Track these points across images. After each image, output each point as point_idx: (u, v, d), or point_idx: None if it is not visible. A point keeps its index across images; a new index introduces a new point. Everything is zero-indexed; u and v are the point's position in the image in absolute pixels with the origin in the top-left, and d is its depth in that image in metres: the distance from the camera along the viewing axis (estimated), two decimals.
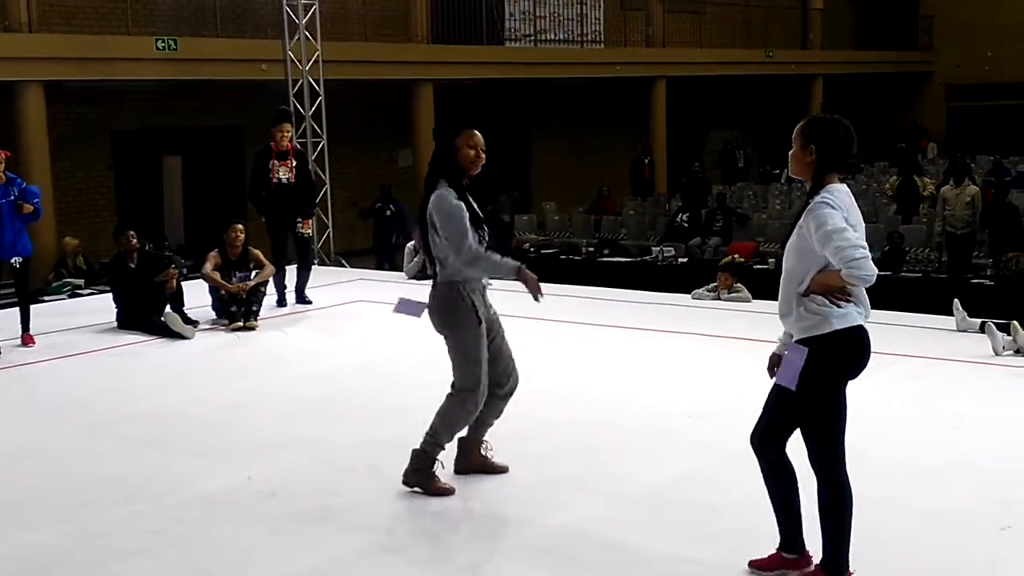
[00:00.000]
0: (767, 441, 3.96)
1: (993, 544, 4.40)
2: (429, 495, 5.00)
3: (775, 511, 4.02)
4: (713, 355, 7.80)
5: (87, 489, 5.28)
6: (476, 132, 5.00)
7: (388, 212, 16.45)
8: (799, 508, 3.97)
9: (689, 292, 10.12)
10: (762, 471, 4.01)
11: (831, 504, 3.86)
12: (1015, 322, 7.56)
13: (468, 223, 4.84)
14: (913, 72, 29.96)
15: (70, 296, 12.32)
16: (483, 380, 4.99)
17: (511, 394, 5.23)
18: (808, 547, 4.02)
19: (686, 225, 16.29)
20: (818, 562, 3.95)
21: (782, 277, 3.93)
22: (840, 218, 3.72)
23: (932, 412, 6.21)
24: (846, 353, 3.82)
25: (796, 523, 3.99)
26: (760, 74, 25.66)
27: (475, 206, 4.99)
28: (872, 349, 3.89)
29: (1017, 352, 7.39)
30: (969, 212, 13.01)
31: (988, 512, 4.69)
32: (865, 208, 17.51)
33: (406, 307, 5.40)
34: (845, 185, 3.90)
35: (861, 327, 3.84)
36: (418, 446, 5.06)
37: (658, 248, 14.88)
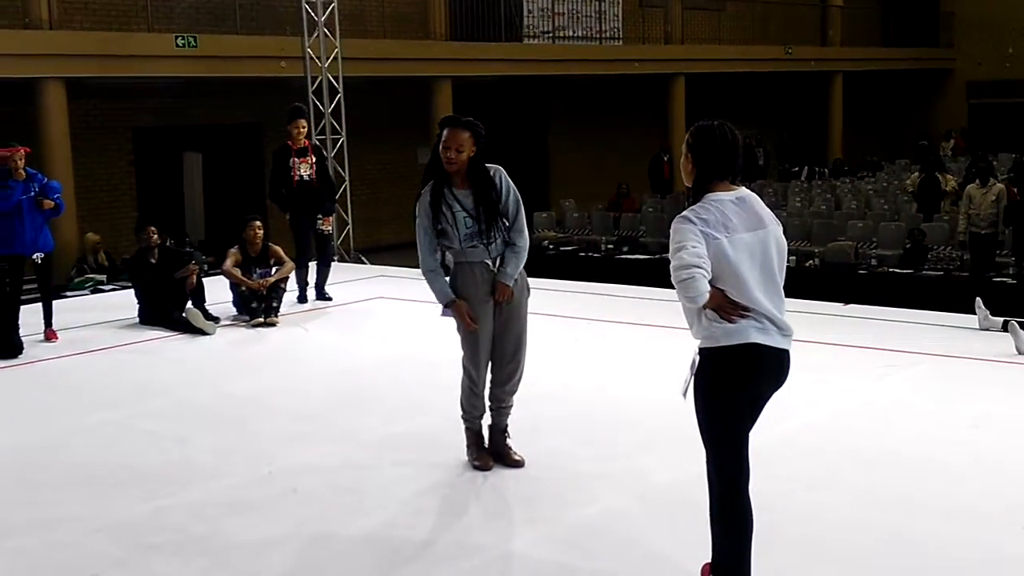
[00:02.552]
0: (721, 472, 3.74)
1: (1013, 543, 4.38)
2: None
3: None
4: None
5: (109, 484, 5.32)
6: (444, 129, 4.99)
7: None
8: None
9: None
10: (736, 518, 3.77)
11: (713, 512, 3.79)
12: None
13: (425, 235, 5.02)
14: (934, 69, 29.80)
15: (92, 292, 12.39)
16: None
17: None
18: None
19: None
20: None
21: None
22: (690, 233, 3.51)
23: (953, 411, 6.17)
24: (731, 370, 3.63)
25: None
26: (780, 71, 25.55)
27: (458, 203, 5.00)
28: (787, 368, 3.74)
29: None
30: (994, 211, 12.92)
31: (1008, 511, 4.67)
32: (886, 205, 17.56)
33: None
34: (741, 191, 3.68)
35: (755, 345, 3.61)
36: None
37: None
